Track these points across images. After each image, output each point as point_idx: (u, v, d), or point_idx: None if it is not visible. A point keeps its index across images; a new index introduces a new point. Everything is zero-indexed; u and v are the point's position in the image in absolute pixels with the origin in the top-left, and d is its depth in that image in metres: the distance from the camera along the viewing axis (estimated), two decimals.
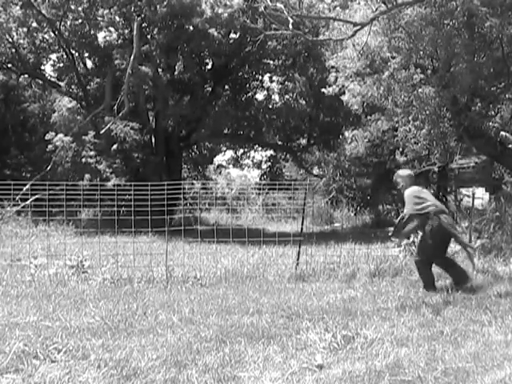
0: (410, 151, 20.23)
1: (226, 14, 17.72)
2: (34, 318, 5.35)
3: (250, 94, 24.01)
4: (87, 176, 18.33)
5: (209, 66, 22.36)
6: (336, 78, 13.24)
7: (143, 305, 6.09)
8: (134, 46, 18.19)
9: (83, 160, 18.76)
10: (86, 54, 21.87)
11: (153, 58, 19.61)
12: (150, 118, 21.99)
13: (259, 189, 26.26)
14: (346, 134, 22.31)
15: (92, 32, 20.65)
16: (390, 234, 7.64)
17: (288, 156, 27.83)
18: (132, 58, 18.03)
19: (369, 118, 19.03)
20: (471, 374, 3.84)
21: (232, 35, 20.30)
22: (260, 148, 28.59)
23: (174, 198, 9.17)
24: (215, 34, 18.63)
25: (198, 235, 9.22)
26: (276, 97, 25.17)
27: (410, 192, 7.15)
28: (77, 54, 21.65)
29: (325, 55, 19.97)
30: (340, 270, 8.41)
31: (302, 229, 9.29)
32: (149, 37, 19.89)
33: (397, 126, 15.62)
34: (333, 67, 13.52)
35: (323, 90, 14.48)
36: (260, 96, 25.08)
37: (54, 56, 22.83)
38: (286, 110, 23.29)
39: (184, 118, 21.03)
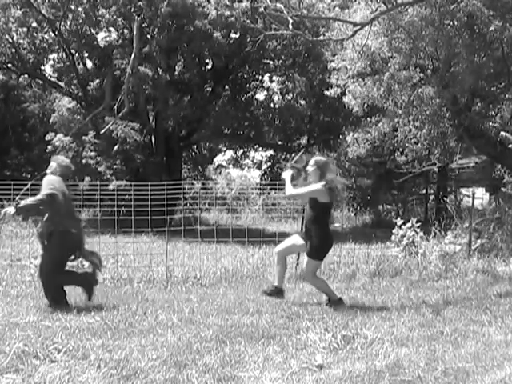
0: (410, 151, 20.24)
1: (232, 18, 17.72)
2: (33, 318, 5.35)
3: (250, 94, 24.02)
4: (87, 178, 18.32)
5: (209, 66, 22.37)
6: (337, 80, 13.26)
7: (143, 305, 6.09)
8: (134, 46, 18.19)
9: (83, 161, 18.76)
10: (86, 54, 21.86)
11: (153, 59, 19.62)
12: (150, 119, 21.99)
13: (259, 189, 26.25)
14: (348, 138, 22.26)
15: (92, 32, 20.66)
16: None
17: (288, 156, 27.82)
18: (132, 58, 18.03)
19: (369, 119, 19.03)
20: (471, 374, 3.84)
21: (232, 35, 20.32)
22: (260, 148, 28.60)
23: (174, 198, 9.17)
24: (216, 33, 18.65)
25: (198, 235, 9.22)
26: (276, 97, 25.19)
27: (48, 179, 5.95)
28: (77, 54, 21.65)
29: (325, 55, 19.99)
30: (340, 270, 8.42)
31: (301, 229, 9.28)
32: (149, 37, 19.89)
33: (397, 126, 15.63)
34: (334, 69, 13.53)
35: (326, 92, 14.52)
36: (260, 96, 25.12)
37: (53, 56, 22.83)
38: (286, 110, 23.31)
39: (184, 118, 21.04)
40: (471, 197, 10.13)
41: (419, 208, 25.14)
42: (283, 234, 10.66)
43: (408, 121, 13.47)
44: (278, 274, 6.34)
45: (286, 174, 6.30)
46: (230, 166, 32.41)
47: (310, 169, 6.20)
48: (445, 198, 21.37)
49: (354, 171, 25.07)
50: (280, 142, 25.77)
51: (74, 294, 6.49)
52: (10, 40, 20.92)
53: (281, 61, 22.16)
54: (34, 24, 20.82)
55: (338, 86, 13.45)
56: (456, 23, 10.97)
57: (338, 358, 4.19)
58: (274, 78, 24.22)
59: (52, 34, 21.37)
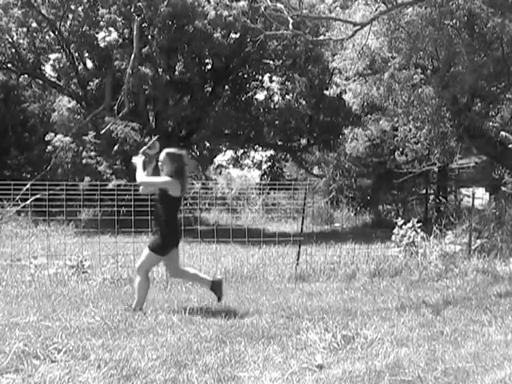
0: (410, 151, 20.26)
1: (230, 18, 17.71)
2: (33, 318, 5.34)
3: (250, 94, 24.01)
4: (87, 178, 18.30)
5: (209, 67, 22.37)
6: (340, 79, 13.27)
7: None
8: (134, 46, 18.20)
9: (83, 161, 18.75)
10: (86, 54, 21.87)
11: (153, 58, 19.62)
12: (150, 119, 21.99)
13: (259, 189, 26.25)
14: (346, 131, 22.33)
15: (92, 32, 20.66)
16: None
17: (288, 156, 27.83)
18: (132, 58, 18.04)
19: (369, 116, 19.04)
20: (471, 374, 3.84)
21: (232, 35, 20.32)
22: (260, 148, 28.59)
23: None
24: (216, 34, 18.65)
25: (198, 235, 9.21)
26: (276, 97, 25.19)
27: None
28: (77, 54, 21.65)
29: (325, 55, 20.00)
30: (340, 269, 8.42)
31: (301, 229, 9.29)
32: (149, 37, 19.90)
33: (397, 125, 15.65)
34: (335, 69, 13.54)
35: (326, 92, 14.52)
36: (260, 96, 25.12)
37: (53, 56, 22.85)
38: (286, 110, 23.29)
39: (184, 119, 21.03)
40: (471, 197, 10.14)
41: (419, 208, 25.15)
42: (283, 234, 10.71)
43: (408, 121, 13.48)
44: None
45: (138, 160, 5.98)
46: (230, 166, 32.42)
47: (161, 159, 5.88)
48: (441, 198, 21.39)
49: (354, 171, 25.08)
50: (280, 142, 25.75)
51: (75, 293, 6.49)
52: (10, 40, 20.92)
53: (281, 61, 22.15)
54: (34, 24, 20.83)
55: (336, 85, 13.46)
56: (456, 23, 10.97)
57: (338, 358, 4.19)
58: (274, 78, 24.21)
59: (52, 34, 21.37)
